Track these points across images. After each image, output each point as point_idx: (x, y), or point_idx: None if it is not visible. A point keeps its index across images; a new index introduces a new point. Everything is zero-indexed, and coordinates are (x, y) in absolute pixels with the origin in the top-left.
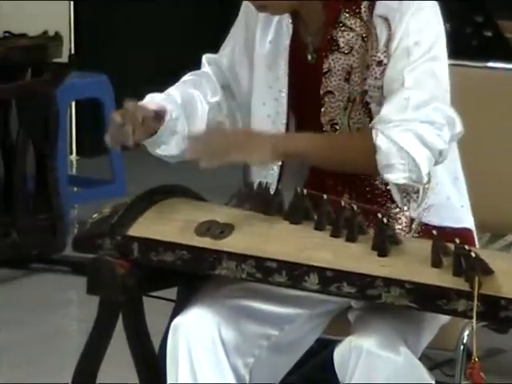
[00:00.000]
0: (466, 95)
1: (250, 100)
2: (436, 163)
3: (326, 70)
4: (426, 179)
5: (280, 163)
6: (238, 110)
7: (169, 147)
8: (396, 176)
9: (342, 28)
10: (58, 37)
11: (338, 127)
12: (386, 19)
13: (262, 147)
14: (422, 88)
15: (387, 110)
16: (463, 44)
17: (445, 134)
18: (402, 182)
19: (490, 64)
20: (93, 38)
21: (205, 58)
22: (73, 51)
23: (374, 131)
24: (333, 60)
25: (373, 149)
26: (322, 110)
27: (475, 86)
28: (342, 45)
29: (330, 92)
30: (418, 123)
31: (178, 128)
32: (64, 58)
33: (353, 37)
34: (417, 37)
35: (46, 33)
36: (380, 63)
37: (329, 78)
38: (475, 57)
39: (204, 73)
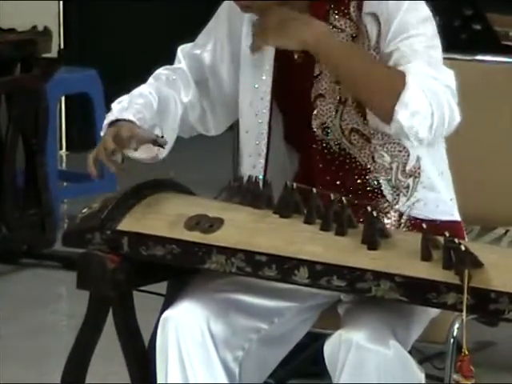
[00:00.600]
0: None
1: (228, 97)
2: (445, 133)
3: (317, 73)
4: (426, 138)
5: (262, 163)
6: (209, 108)
7: (138, 152)
8: (407, 120)
9: (333, 30)
10: (47, 32)
11: (330, 130)
12: (374, 15)
13: (288, 34)
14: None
15: (418, 64)
16: (452, 37)
17: (456, 109)
18: (406, 130)
19: (479, 57)
20: (82, 32)
21: (180, 51)
22: (62, 46)
23: (407, 74)
24: None
25: (402, 83)
26: (314, 113)
27: (464, 79)
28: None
29: (321, 95)
30: (444, 86)
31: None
32: (53, 53)
33: (343, 38)
34: (415, 30)
35: (35, 28)
36: None
37: (320, 82)
38: (464, 50)
39: (178, 69)
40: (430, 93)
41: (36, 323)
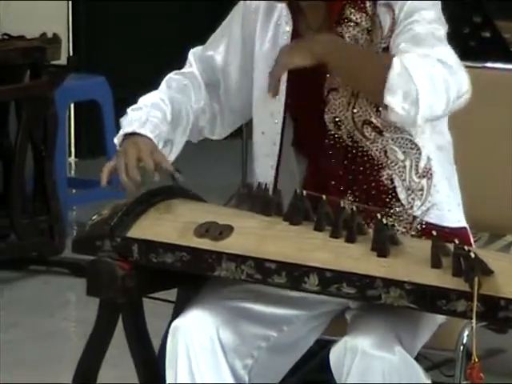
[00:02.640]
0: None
1: (236, 100)
2: (442, 112)
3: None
4: (420, 122)
5: (275, 164)
6: (219, 111)
7: None
8: (396, 101)
9: (348, 23)
10: (56, 39)
11: (342, 123)
12: (388, 5)
13: (299, 52)
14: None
15: (405, 45)
16: (461, 44)
17: (458, 80)
18: (399, 111)
19: (489, 64)
20: (91, 39)
21: (192, 54)
22: (71, 53)
23: (395, 58)
24: None
25: (389, 67)
26: (326, 108)
27: (473, 86)
28: (347, 40)
29: (335, 89)
30: (435, 61)
31: (162, 149)
32: (62, 60)
33: (358, 31)
34: (421, 16)
35: (44, 35)
36: (386, 49)
37: (334, 76)
38: (473, 57)
39: (189, 73)
40: (416, 70)
41: (45, 330)
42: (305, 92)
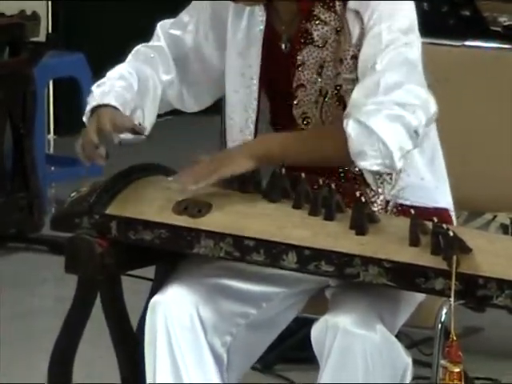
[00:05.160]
0: (444, 74)
1: (212, 78)
2: (413, 147)
3: (299, 62)
4: (399, 165)
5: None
6: (187, 87)
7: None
8: (369, 163)
9: (317, 22)
10: (35, 16)
11: (310, 120)
12: (357, 13)
13: (238, 158)
14: (394, 70)
15: (358, 94)
16: (440, 23)
17: (419, 116)
18: (375, 168)
19: (468, 43)
20: (69, 16)
21: (160, 27)
22: (50, 30)
23: (345, 119)
24: (307, 53)
25: (345, 138)
26: (295, 102)
27: (453, 64)
28: (316, 38)
29: (302, 85)
30: (391, 105)
31: (132, 117)
32: (41, 37)
33: (327, 30)
34: (389, 22)
35: (23, 12)
36: (354, 57)
37: (302, 71)
38: (452, 36)
39: (157, 46)
40: (375, 124)
41: (23, 307)
42: (276, 82)
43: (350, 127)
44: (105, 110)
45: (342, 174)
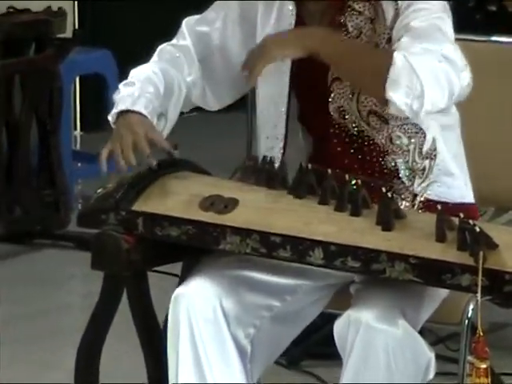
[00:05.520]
0: (470, 69)
1: (236, 77)
2: (444, 106)
3: None
4: (422, 116)
5: (283, 140)
6: (210, 86)
7: None
8: (398, 95)
9: (351, 12)
10: (61, 12)
11: (346, 114)
12: None
13: (289, 43)
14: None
15: (408, 40)
16: (467, 18)
17: (461, 79)
18: (401, 107)
19: (494, 38)
20: (96, 13)
21: (186, 25)
22: (76, 26)
23: (395, 52)
24: None
25: (390, 62)
26: (331, 96)
27: (479, 59)
28: (351, 29)
29: (338, 79)
30: (439, 55)
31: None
32: (68, 34)
33: (361, 20)
34: (425, 4)
35: (49, 8)
36: (389, 40)
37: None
38: (478, 31)
39: (182, 46)
40: (419, 64)
41: (50, 303)
42: (309, 79)
43: (398, 58)
44: (137, 122)
45: (376, 164)
